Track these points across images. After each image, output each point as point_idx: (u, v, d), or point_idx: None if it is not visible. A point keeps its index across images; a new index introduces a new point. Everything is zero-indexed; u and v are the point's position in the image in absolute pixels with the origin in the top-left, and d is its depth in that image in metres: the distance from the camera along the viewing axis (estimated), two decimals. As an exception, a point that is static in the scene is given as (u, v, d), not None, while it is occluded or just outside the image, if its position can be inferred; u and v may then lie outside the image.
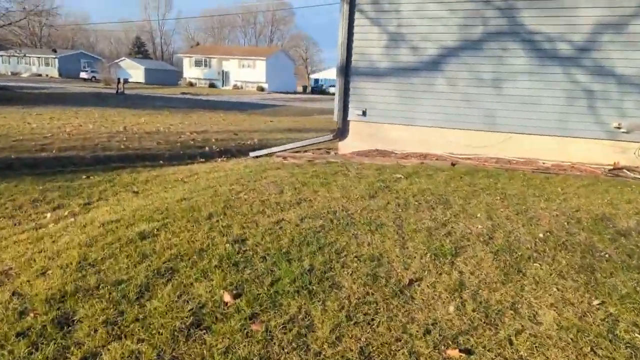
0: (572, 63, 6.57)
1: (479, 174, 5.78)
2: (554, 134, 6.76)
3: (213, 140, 11.32)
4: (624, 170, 6.24)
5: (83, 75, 53.19)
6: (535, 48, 6.73)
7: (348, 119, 8.10)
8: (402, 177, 5.50)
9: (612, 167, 6.36)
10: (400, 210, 4.14)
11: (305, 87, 62.77)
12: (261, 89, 52.85)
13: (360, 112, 7.94)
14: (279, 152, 8.46)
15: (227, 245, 3.30)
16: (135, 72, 57.08)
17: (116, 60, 61.15)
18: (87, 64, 57.79)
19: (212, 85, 54.81)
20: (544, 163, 6.71)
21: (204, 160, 8.83)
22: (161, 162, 8.57)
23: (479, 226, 3.73)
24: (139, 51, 74.44)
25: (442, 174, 5.73)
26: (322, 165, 6.55)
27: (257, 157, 8.48)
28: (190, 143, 10.75)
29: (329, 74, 63.23)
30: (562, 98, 6.66)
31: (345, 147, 8.21)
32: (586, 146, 6.63)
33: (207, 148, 10.14)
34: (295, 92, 57.36)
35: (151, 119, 15.44)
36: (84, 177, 7.06)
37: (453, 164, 6.61)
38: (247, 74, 55.11)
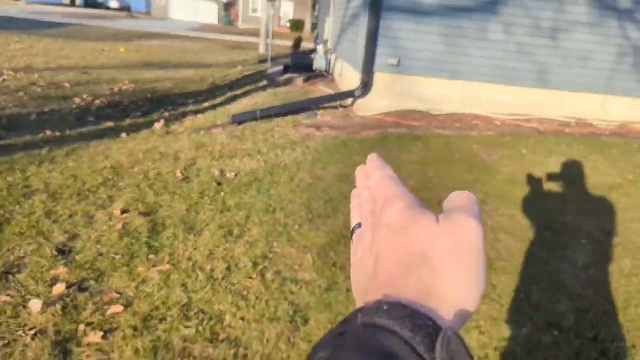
0: (629, 17, 6.21)
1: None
2: (599, 91, 6.48)
3: (66, 84, 7.37)
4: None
5: None
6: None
7: (374, 70, 6.10)
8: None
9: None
10: None
11: (73, -1, 49.58)
12: (12, -3, 39.24)
13: (395, 62, 6.05)
14: (274, 114, 5.91)
15: None
16: None
17: None
18: None
19: None
20: (607, 125, 6.41)
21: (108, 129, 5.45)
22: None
23: None
24: None
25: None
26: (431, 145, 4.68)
27: (239, 123, 5.74)
28: (36, 92, 6.68)
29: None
30: (614, 55, 6.33)
31: (366, 107, 6.27)
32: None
33: (79, 101, 6.40)
34: (62, 4, 44.83)
35: None
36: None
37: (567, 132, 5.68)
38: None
